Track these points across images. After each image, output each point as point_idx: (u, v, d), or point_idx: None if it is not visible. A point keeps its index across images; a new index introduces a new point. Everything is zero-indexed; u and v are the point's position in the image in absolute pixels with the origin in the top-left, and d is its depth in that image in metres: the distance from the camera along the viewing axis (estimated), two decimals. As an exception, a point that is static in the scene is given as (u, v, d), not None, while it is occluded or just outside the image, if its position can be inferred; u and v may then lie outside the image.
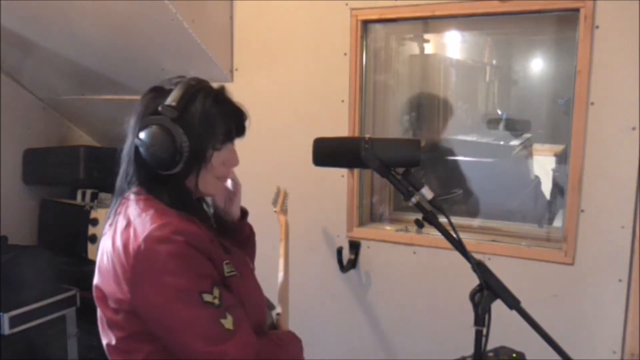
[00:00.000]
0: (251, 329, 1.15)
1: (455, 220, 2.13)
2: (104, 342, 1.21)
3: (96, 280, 1.20)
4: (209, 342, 1.08)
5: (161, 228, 1.10)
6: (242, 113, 1.24)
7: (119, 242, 1.13)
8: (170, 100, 1.15)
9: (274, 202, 1.90)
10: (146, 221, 1.13)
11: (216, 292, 1.10)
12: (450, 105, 2.89)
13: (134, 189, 1.21)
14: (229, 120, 1.21)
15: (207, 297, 1.08)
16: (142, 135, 1.16)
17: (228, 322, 1.09)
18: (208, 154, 1.19)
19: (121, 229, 1.15)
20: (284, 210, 1.90)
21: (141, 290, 1.10)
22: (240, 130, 1.25)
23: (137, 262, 1.09)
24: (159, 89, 1.21)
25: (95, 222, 2.58)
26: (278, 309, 1.49)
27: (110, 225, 1.20)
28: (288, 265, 1.72)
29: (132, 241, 1.11)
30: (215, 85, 1.24)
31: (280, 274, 1.65)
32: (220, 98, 1.21)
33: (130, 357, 1.16)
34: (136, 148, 1.17)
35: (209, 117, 1.17)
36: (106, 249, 1.17)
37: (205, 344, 1.08)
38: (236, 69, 2.45)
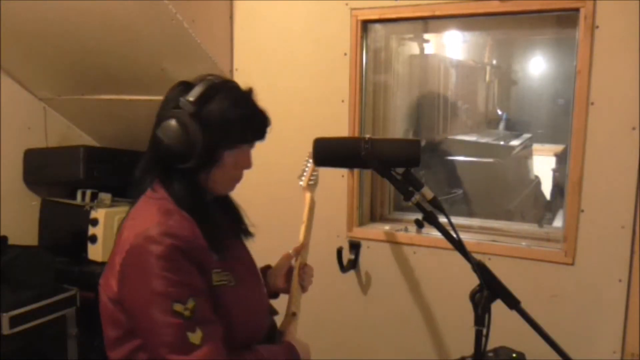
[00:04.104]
0: (224, 348, 1.12)
1: (455, 220, 2.15)
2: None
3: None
4: (171, 350, 1.08)
5: (154, 227, 1.11)
6: (262, 118, 1.26)
7: (123, 236, 1.16)
8: (191, 95, 1.17)
9: (301, 176, 1.62)
10: (146, 218, 1.15)
11: (190, 304, 1.09)
12: (451, 105, 2.89)
13: (154, 185, 1.22)
14: (247, 123, 1.22)
15: (178, 307, 1.08)
16: (161, 126, 1.18)
17: (195, 337, 1.08)
18: (219, 153, 1.19)
19: (129, 223, 1.19)
20: (310, 185, 1.61)
21: (125, 285, 1.13)
22: (258, 135, 1.26)
23: (126, 257, 1.12)
24: (186, 83, 1.23)
25: (95, 222, 2.57)
26: (293, 309, 1.42)
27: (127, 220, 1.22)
28: (307, 252, 1.52)
29: (129, 236, 1.13)
30: (244, 87, 1.26)
31: (295, 268, 1.48)
32: (240, 101, 1.22)
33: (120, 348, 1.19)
34: (156, 139, 1.19)
35: (224, 118, 1.18)
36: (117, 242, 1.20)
37: (167, 351, 1.08)
38: (236, 69, 2.45)
